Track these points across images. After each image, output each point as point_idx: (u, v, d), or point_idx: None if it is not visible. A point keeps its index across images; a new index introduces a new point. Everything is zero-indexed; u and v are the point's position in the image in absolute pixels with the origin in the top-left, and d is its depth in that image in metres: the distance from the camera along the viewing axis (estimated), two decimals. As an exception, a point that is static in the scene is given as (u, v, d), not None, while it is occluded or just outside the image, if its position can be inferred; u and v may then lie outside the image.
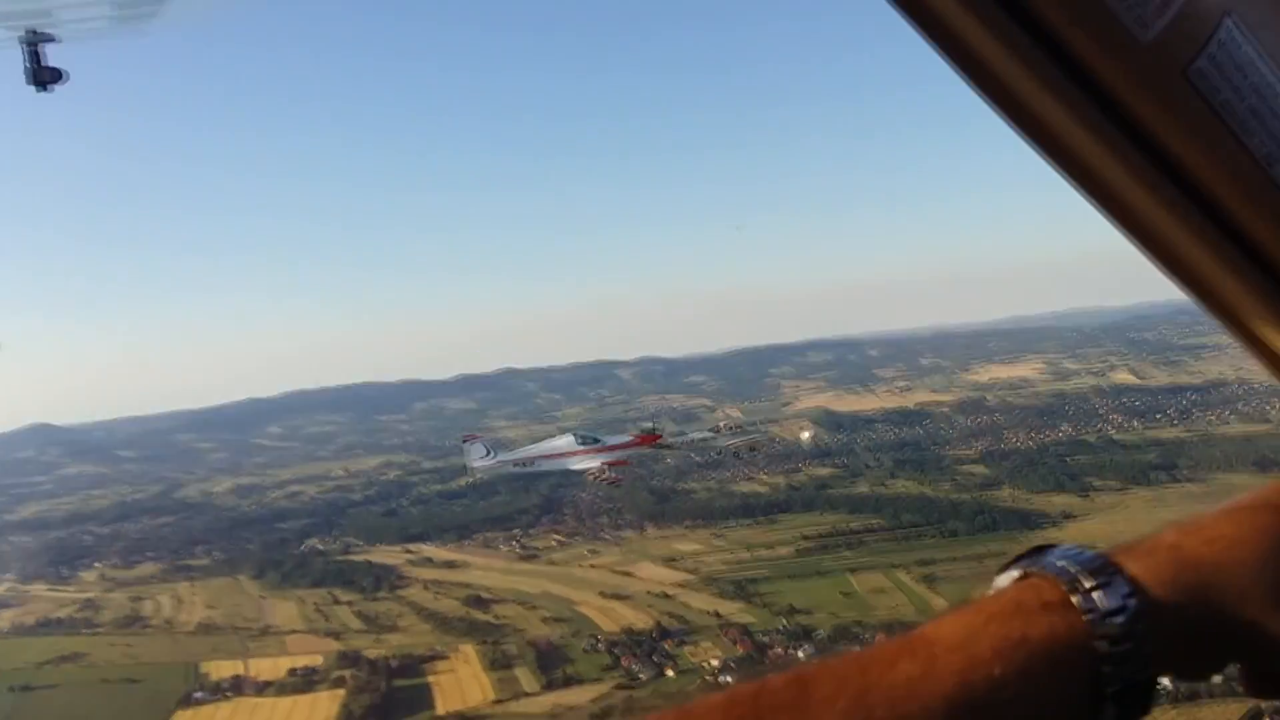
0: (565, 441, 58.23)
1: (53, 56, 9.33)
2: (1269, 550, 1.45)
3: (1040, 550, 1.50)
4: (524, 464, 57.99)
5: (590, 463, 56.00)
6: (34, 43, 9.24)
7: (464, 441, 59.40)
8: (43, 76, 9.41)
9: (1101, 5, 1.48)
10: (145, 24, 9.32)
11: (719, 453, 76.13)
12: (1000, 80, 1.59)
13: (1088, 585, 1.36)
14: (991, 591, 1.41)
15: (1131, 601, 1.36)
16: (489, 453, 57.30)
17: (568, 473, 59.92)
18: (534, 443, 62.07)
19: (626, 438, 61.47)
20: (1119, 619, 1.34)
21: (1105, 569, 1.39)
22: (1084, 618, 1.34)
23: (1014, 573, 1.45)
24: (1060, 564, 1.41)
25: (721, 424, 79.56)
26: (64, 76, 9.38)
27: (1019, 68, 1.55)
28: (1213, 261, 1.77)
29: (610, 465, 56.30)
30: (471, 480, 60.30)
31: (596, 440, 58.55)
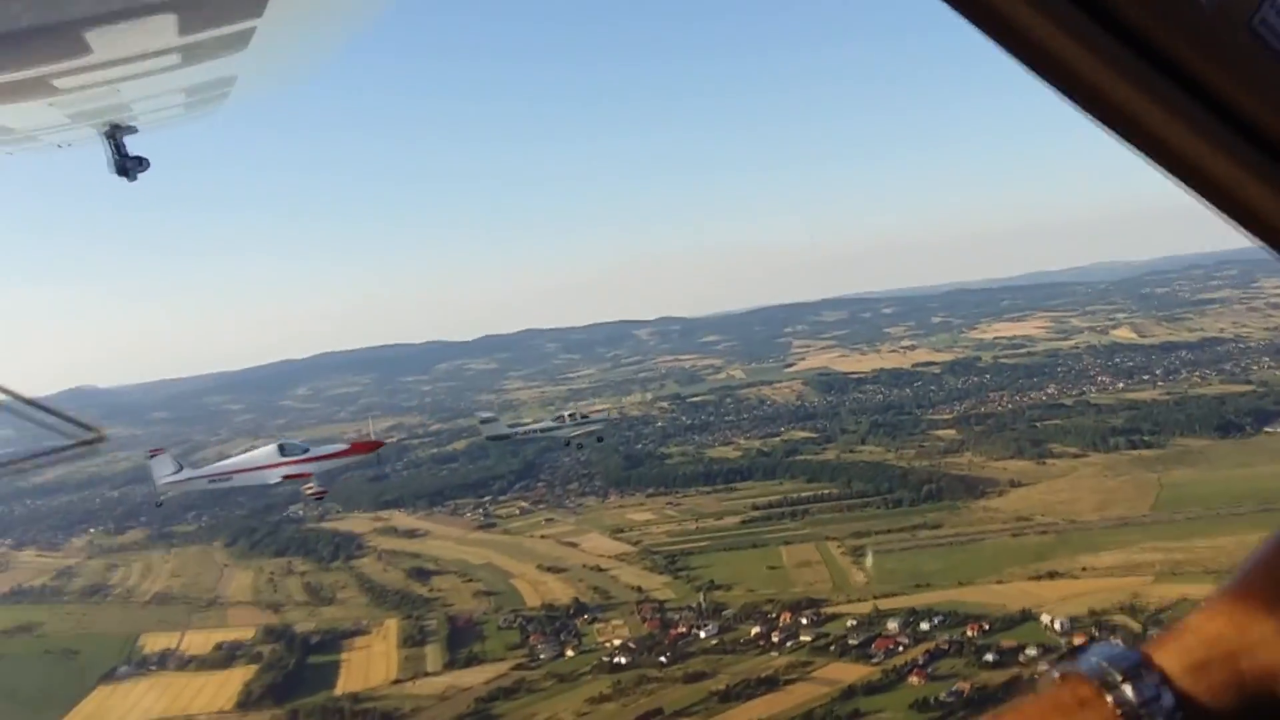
0: (266, 453, 53.75)
1: (131, 144, 9.85)
2: None
3: (1077, 651, 1.52)
4: (217, 479, 54.17)
5: (291, 474, 51.93)
6: (115, 135, 9.62)
7: (149, 457, 55.14)
8: (127, 165, 9.84)
9: None
10: (215, 107, 9.64)
11: (566, 443, 73.47)
12: (1057, 57, 1.48)
13: (1120, 681, 1.40)
14: (1032, 695, 1.45)
15: (1164, 693, 1.40)
16: (178, 469, 53.51)
17: (265, 488, 55.04)
18: (334, 440, 57.57)
19: (339, 446, 57.42)
20: (1153, 712, 1.38)
21: (1136, 664, 1.42)
22: (1117, 713, 1.37)
23: (1053, 675, 1.48)
24: (1094, 661, 1.44)
25: (567, 414, 77.09)
26: (146, 164, 9.95)
27: (1076, 43, 1.45)
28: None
29: (294, 478, 52.12)
30: (160, 500, 55.61)
31: (304, 450, 54.18)
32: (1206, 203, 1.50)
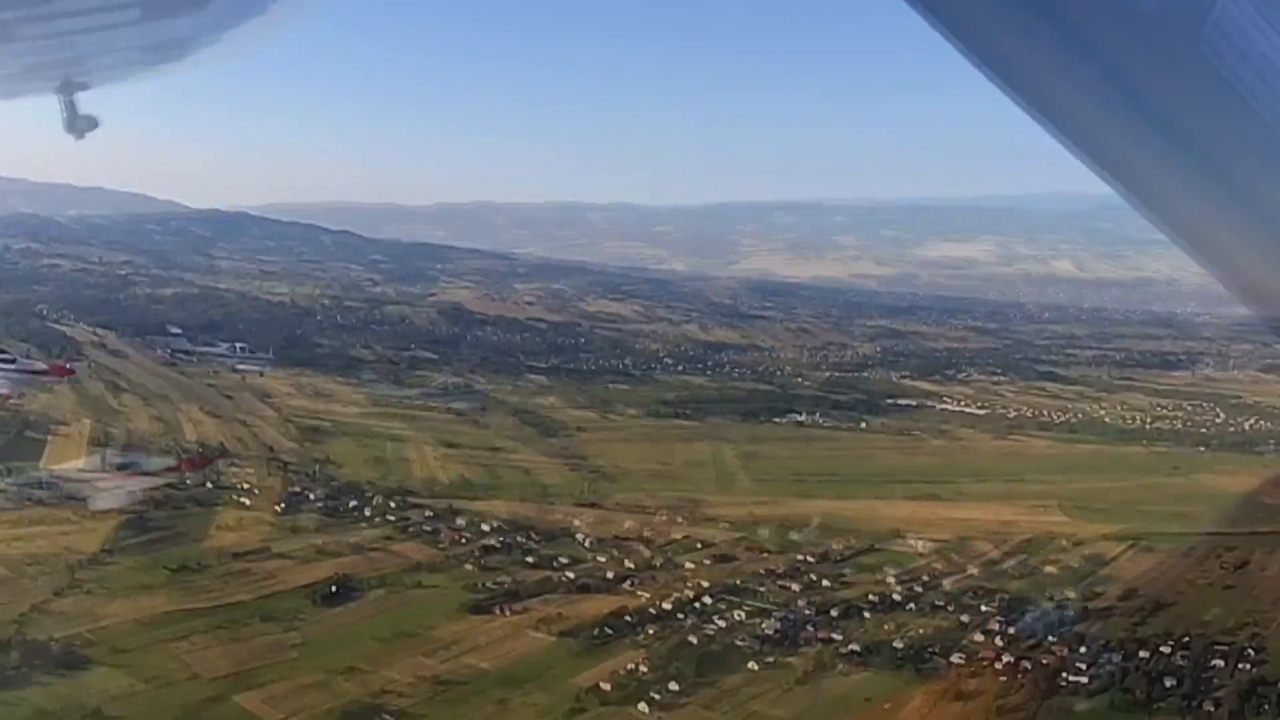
0: None
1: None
2: None
3: None
4: None
5: None
6: (69, 92, 9.32)
7: None
8: (79, 125, 9.57)
9: None
10: (173, 65, 9.59)
11: (234, 370, 75.03)
12: (1000, 49, 1.50)
13: None
14: None
15: None
16: None
17: None
18: None
19: (38, 365, 55.38)
20: None
21: None
22: None
23: None
24: None
25: (239, 345, 78.70)
26: (96, 123, 9.66)
27: (1021, 38, 1.46)
28: (1222, 229, 1.61)
29: None
30: None
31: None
32: (1130, 198, 1.56)
